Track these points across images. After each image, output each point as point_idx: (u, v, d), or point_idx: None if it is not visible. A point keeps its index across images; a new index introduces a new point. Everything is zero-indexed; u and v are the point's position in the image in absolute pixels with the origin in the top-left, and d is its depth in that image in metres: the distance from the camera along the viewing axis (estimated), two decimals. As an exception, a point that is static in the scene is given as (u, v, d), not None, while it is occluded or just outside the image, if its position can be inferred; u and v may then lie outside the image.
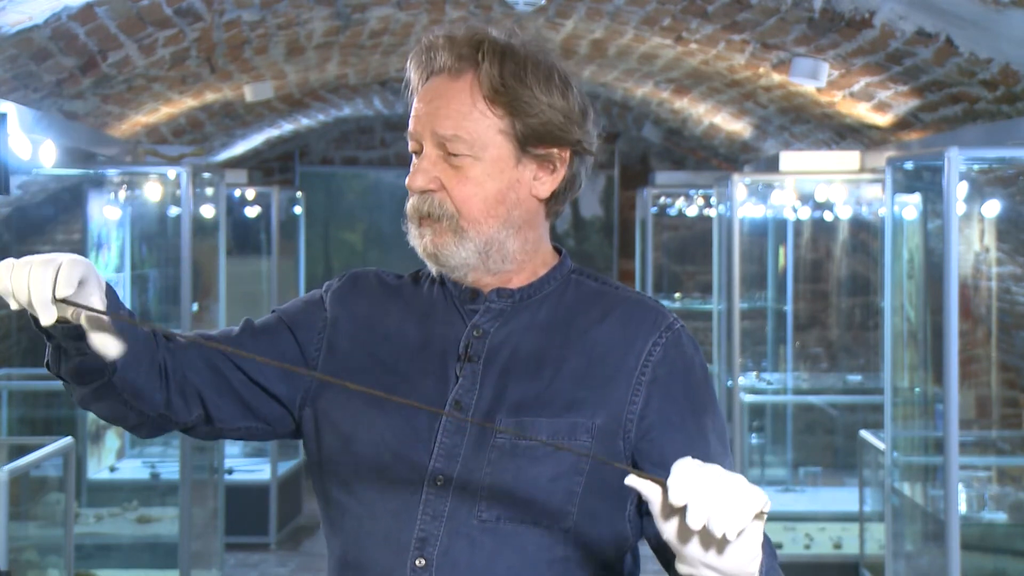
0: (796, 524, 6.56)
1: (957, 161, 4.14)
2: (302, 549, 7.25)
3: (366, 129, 9.64)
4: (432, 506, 1.68)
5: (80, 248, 6.50)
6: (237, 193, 7.70)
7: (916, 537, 5.19)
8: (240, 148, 8.35)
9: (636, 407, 1.71)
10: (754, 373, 7.68)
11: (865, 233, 7.76)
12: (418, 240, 1.75)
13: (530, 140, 1.73)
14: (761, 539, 1.42)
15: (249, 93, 6.18)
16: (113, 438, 7.09)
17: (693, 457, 1.71)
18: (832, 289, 8.40)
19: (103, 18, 4.16)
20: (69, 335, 1.61)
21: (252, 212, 7.97)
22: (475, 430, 1.71)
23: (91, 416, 6.29)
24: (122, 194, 6.54)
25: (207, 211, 6.29)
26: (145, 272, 6.91)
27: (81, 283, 1.54)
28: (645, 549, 1.72)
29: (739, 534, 1.39)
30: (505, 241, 1.74)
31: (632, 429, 1.71)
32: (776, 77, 5.45)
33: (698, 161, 9.34)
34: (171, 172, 5.70)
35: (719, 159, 8.89)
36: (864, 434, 6.00)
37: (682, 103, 7.14)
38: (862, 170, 6.05)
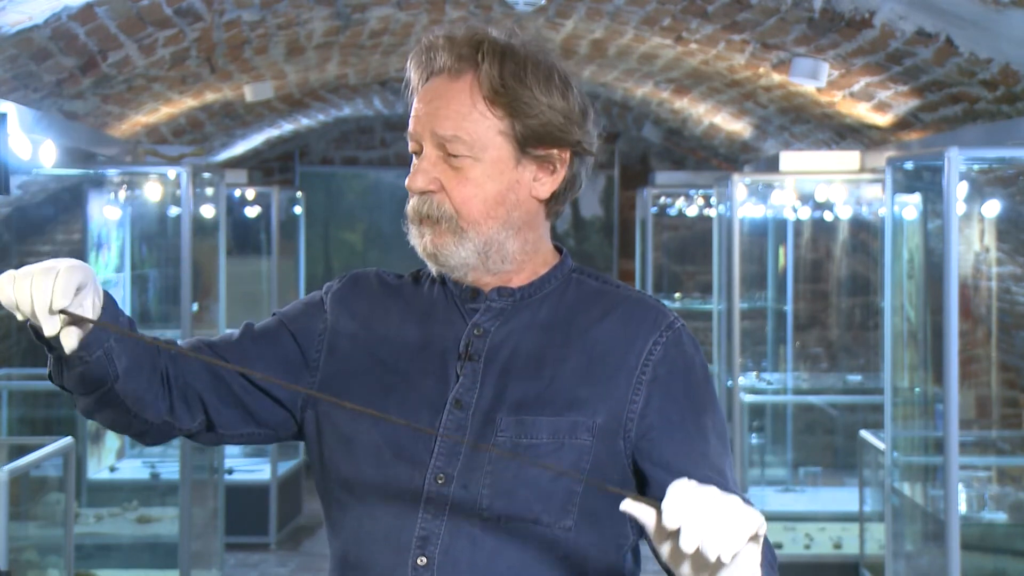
0: (796, 524, 6.56)
1: (957, 161, 4.14)
2: (302, 549, 7.25)
3: (366, 129, 9.64)
4: (433, 505, 1.68)
5: (80, 248, 6.50)
6: (237, 193, 7.70)
7: (916, 537, 5.19)
8: (240, 148, 8.35)
9: (636, 406, 1.71)
10: (754, 373, 7.68)
11: (865, 233, 7.76)
12: (418, 240, 1.75)
13: (530, 141, 1.72)
14: (758, 560, 1.42)
15: (249, 93, 6.18)
16: (113, 438, 7.09)
17: (692, 456, 1.71)
18: (832, 289, 8.40)
19: (103, 18, 4.16)
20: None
21: (252, 212, 7.97)
22: (476, 429, 1.71)
23: (91, 416, 6.27)
24: (122, 194, 6.54)
25: (207, 211, 6.29)
26: (145, 272, 6.91)
27: (78, 289, 1.55)
28: (645, 549, 1.72)
29: (733, 557, 1.38)
30: (505, 242, 1.74)
31: (632, 428, 1.71)
32: (776, 77, 5.45)
33: (698, 161, 9.34)
34: (171, 172, 5.70)
35: (719, 159, 8.89)
36: (864, 434, 6.00)
37: (682, 103, 7.14)
38: (862, 170, 6.05)
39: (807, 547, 6.32)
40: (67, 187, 6.32)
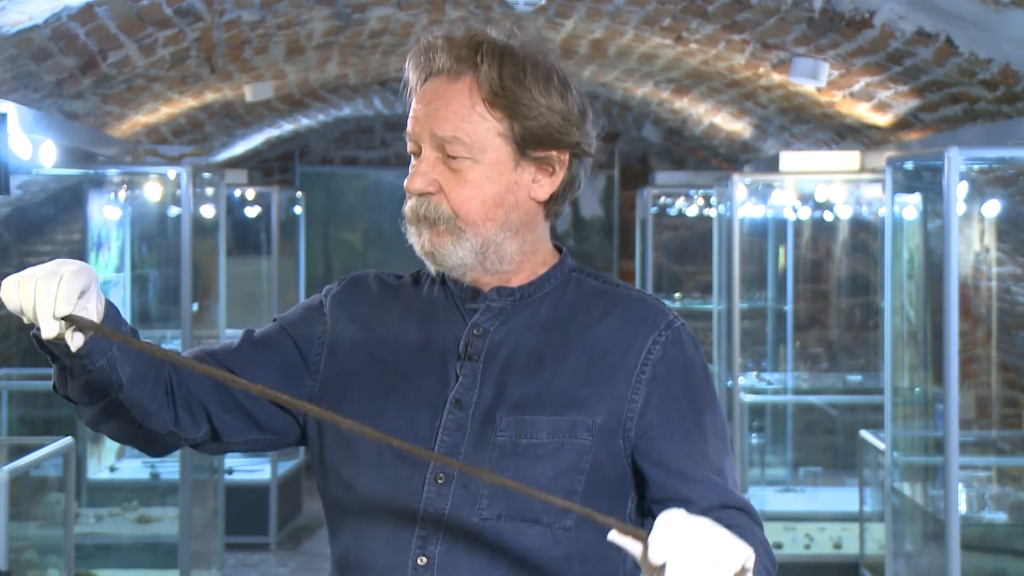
0: (796, 524, 6.56)
1: (957, 161, 4.14)
2: (302, 549, 7.25)
3: (366, 129, 9.64)
4: (433, 505, 1.69)
5: (80, 248, 6.50)
6: (237, 193, 7.70)
7: (916, 537, 5.19)
8: (240, 148, 8.35)
9: (636, 405, 1.71)
10: (754, 373, 7.68)
11: (865, 233, 7.76)
12: (416, 239, 1.75)
13: (529, 143, 1.72)
14: None
15: (249, 93, 6.18)
16: (113, 438, 7.08)
17: (691, 456, 1.71)
18: (832, 289, 8.40)
19: (103, 18, 4.16)
20: (70, 352, 1.61)
21: (252, 212, 7.97)
22: (475, 428, 1.71)
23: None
24: (122, 194, 6.53)
25: (207, 211, 6.29)
26: (145, 272, 6.91)
27: (82, 293, 1.55)
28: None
29: None
30: (503, 243, 1.74)
31: (632, 427, 1.71)
32: (776, 77, 5.45)
33: (698, 161, 9.34)
34: (171, 172, 5.70)
35: (719, 159, 8.89)
36: (864, 434, 6.00)
37: (682, 103, 7.14)
38: (862, 170, 6.05)
39: (807, 547, 6.32)
40: (67, 187, 6.32)
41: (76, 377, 1.66)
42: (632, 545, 1.42)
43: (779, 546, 6.20)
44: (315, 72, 6.46)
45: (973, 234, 6.04)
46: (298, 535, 7.53)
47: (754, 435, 7.34)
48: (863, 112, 5.48)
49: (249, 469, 7.45)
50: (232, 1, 4.52)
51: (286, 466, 7.56)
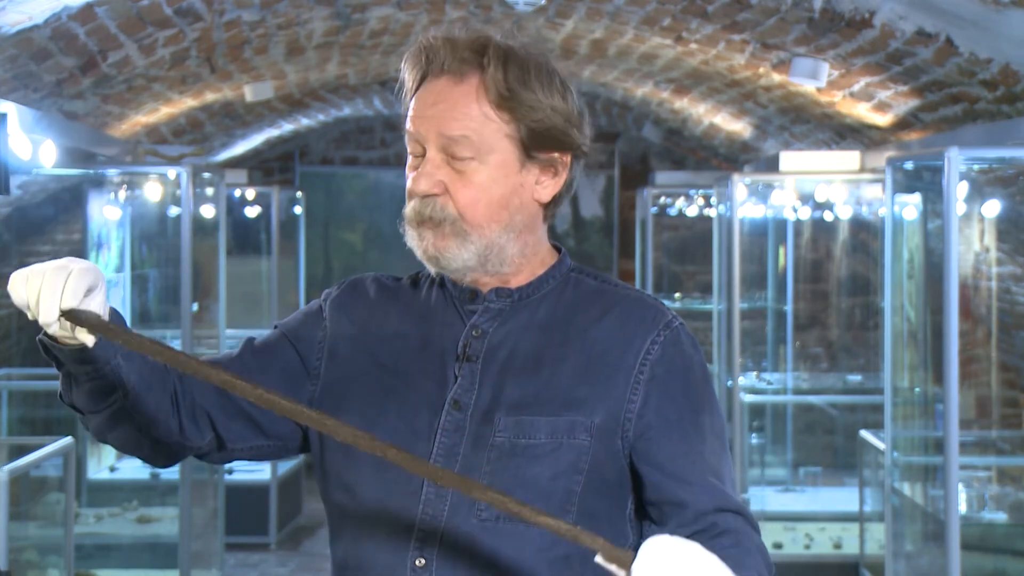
0: (796, 524, 6.56)
1: (957, 161, 4.14)
2: (302, 549, 7.25)
3: (366, 129, 9.64)
4: (432, 505, 1.69)
5: (80, 248, 6.50)
6: (237, 193, 7.71)
7: (916, 537, 5.19)
8: (240, 148, 8.35)
9: (635, 405, 1.71)
10: (754, 373, 7.68)
11: (865, 233, 7.76)
12: (418, 243, 1.74)
13: (534, 144, 1.72)
14: None
15: (249, 93, 6.18)
16: (113, 438, 7.09)
17: (689, 456, 1.71)
18: (832, 289, 8.40)
19: (103, 18, 4.16)
20: (75, 358, 1.61)
21: (252, 212, 7.97)
22: (474, 429, 1.71)
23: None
24: (122, 194, 6.54)
25: (207, 211, 6.29)
26: (145, 272, 6.91)
27: (88, 291, 1.55)
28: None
29: None
30: (505, 245, 1.74)
31: (630, 428, 1.70)
32: (776, 77, 5.45)
33: (698, 161, 9.34)
34: (171, 172, 5.70)
35: (719, 159, 8.89)
36: (864, 434, 6.00)
37: (682, 103, 7.14)
38: (862, 170, 6.05)
39: (807, 547, 6.32)
40: (67, 187, 6.32)
41: (81, 384, 1.67)
42: (617, 572, 1.42)
43: (779, 546, 6.21)
44: (315, 72, 6.46)
45: (973, 234, 6.04)
46: (298, 535, 7.53)
47: (754, 435, 7.34)
48: (863, 112, 5.48)
49: (249, 469, 7.45)
50: (232, 1, 4.52)
51: (286, 466, 7.56)
